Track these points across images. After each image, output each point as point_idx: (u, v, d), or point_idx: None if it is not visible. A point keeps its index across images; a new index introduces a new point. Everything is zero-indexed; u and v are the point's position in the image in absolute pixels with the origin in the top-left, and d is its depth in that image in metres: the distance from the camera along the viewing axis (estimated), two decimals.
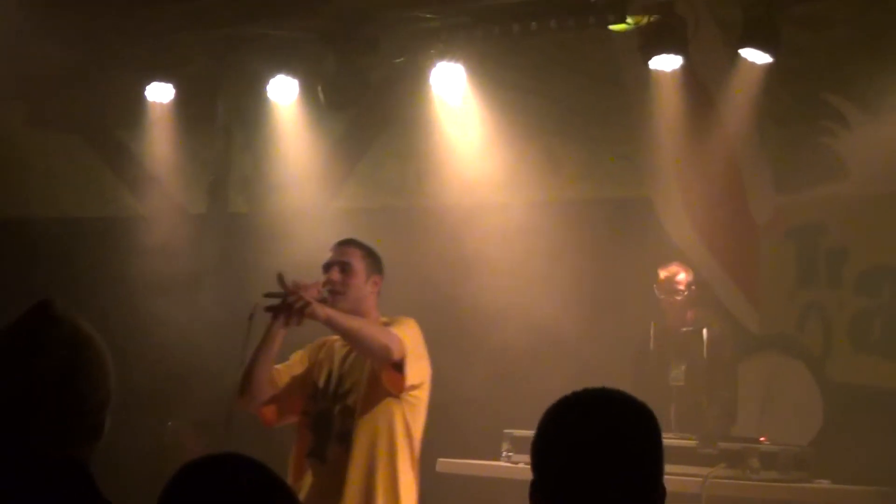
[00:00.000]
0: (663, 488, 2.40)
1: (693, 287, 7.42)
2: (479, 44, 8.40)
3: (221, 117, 9.41)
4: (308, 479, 4.96)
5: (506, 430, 7.20)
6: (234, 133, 9.49)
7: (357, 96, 8.55)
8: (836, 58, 8.02)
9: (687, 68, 7.91)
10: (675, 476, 6.61)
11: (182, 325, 9.06)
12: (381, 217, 9.12)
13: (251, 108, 9.19)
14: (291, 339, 5.14)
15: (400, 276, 8.34)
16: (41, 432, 2.48)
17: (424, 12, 8.25)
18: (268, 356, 4.91)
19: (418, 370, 4.90)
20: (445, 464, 7.32)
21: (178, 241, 9.40)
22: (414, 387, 4.91)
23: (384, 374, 4.86)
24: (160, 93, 8.97)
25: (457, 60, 8.33)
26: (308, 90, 8.69)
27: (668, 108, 8.25)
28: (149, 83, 8.91)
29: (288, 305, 4.78)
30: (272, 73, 8.74)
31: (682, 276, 7.40)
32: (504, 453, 7.17)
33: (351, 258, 5.06)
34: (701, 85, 8.32)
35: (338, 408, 4.95)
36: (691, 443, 6.70)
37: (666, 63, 7.82)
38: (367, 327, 4.84)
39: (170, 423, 8.44)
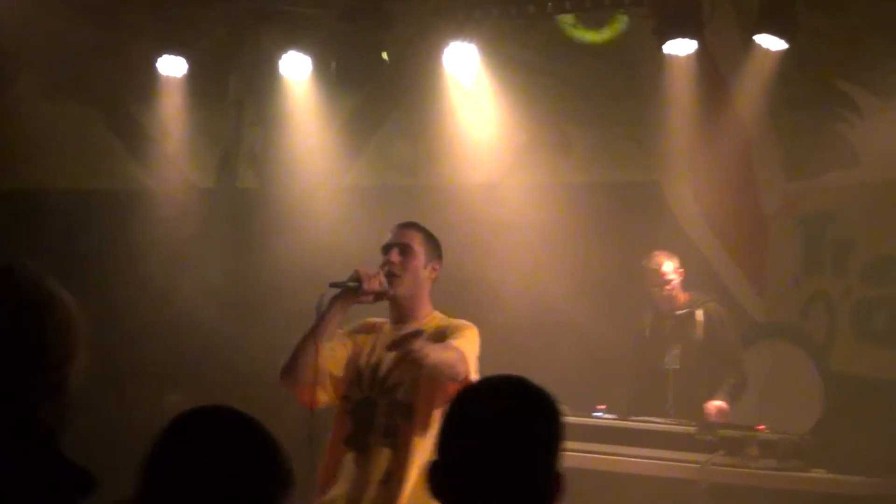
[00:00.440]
0: (558, 473, 2.48)
1: (681, 270, 7.42)
2: (493, 23, 8.39)
3: (233, 92, 9.41)
4: (347, 468, 4.80)
5: None
6: (246, 108, 9.50)
7: (370, 74, 8.54)
8: (851, 45, 7.98)
9: (701, 53, 7.89)
10: (673, 462, 6.64)
11: (188, 299, 9.09)
12: (390, 195, 9.12)
13: (263, 84, 9.19)
14: None
15: None
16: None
17: None
18: (322, 342, 4.75)
19: (475, 376, 4.75)
20: None
21: (187, 215, 9.42)
22: None
23: (451, 385, 4.72)
24: (172, 66, 8.97)
25: (470, 40, 8.32)
26: (321, 67, 8.69)
27: (681, 93, 8.23)
28: (161, 57, 8.92)
29: (404, 356, 4.62)
30: (285, 49, 8.73)
31: (669, 266, 7.41)
32: None
33: (412, 241, 4.93)
34: (715, 70, 8.30)
35: (386, 401, 4.81)
36: (690, 429, 6.72)
37: (680, 47, 7.80)
38: (448, 356, 4.65)
39: (171, 396, 8.48)
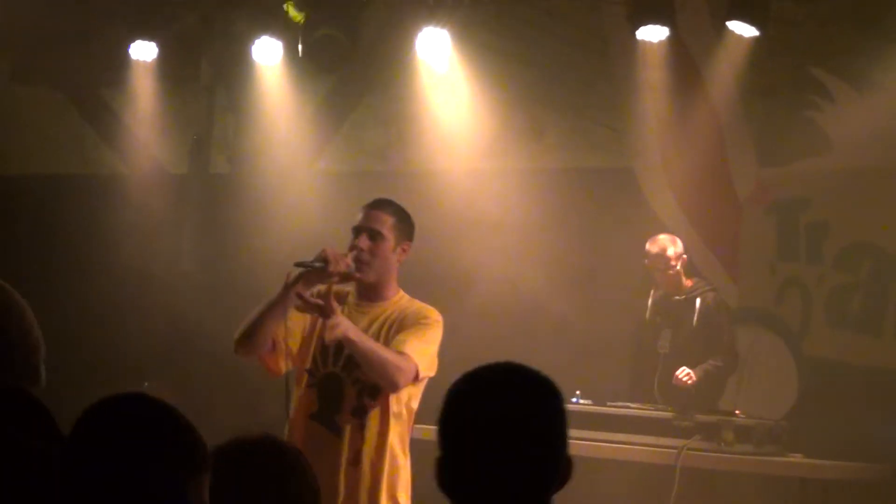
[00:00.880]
0: (568, 460, 2.45)
1: (684, 256, 7.39)
2: (466, 9, 8.37)
3: (205, 77, 9.34)
4: (314, 446, 4.71)
5: None
6: (218, 93, 9.44)
7: (341, 60, 8.50)
8: (822, 32, 8.01)
9: (673, 39, 7.89)
10: (650, 447, 6.66)
11: (161, 285, 9.05)
12: (362, 181, 9.09)
13: (235, 69, 9.13)
14: None
15: None
16: None
17: None
18: (278, 314, 4.73)
19: (428, 373, 4.82)
20: (431, 432, 7.31)
21: (159, 200, 9.38)
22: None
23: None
24: (144, 51, 8.91)
25: (443, 26, 8.30)
26: (292, 52, 8.65)
27: (654, 79, 8.23)
28: (132, 41, 8.86)
29: (320, 308, 4.65)
30: (257, 35, 8.68)
31: (671, 251, 7.35)
32: None
33: (381, 226, 4.87)
34: (687, 56, 8.30)
35: (351, 379, 4.80)
36: (667, 414, 6.73)
37: (653, 34, 7.80)
38: (386, 357, 4.69)
39: (147, 384, 8.43)
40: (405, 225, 4.96)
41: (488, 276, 8.44)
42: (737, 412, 6.80)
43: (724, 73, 8.13)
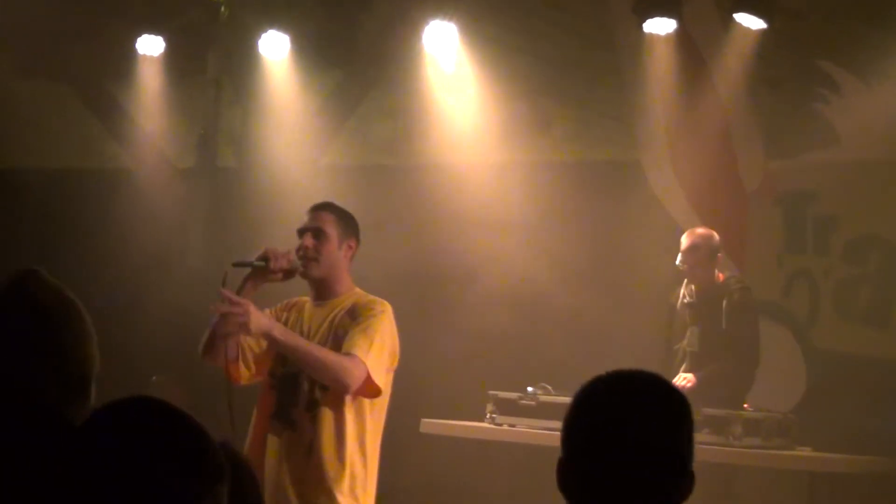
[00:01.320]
0: (692, 474, 2.39)
1: (719, 255, 7.22)
2: (472, 2, 8.36)
3: (212, 71, 9.35)
4: (273, 442, 4.95)
5: (490, 392, 7.21)
6: (224, 87, 9.44)
7: (348, 53, 8.50)
8: (829, 24, 8.00)
9: (681, 32, 7.89)
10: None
11: (168, 279, 9.05)
12: (369, 174, 9.10)
13: (242, 63, 9.14)
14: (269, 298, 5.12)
15: (387, 234, 8.39)
16: (27, 388, 2.51)
17: None
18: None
19: (384, 374, 4.89)
20: (429, 424, 7.34)
21: (166, 194, 9.38)
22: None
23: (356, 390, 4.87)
24: (150, 45, 8.92)
25: (450, 19, 8.29)
26: (299, 46, 8.65)
27: (661, 72, 8.22)
28: (139, 36, 8.86)
29: (228, 314, 4.75)
30: (264, 29, 8.68)
31: (685, 244, 7.20)
32: (488, 415, 7.17)
33: (324, 224, 5.01)
34: (694, 49, 8.29)
35: (305, 374, 4.92)
36: None
37: (660, 26, 7.81)
38: (318, 356, 4.81)
39: (154, 378, 8.44)
40: (347, 223, 5.09)
41: (495, 269, 8.44)
42: (745, 405, 6.79)
43: (731, 65, 8.12)
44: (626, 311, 8.05)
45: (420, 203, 8.82)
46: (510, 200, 8.56)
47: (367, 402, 4.92)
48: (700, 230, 7.30)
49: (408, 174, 9.06)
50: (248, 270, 4.91)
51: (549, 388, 7.07)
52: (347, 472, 4.88)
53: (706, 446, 6.53)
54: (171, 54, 8.99)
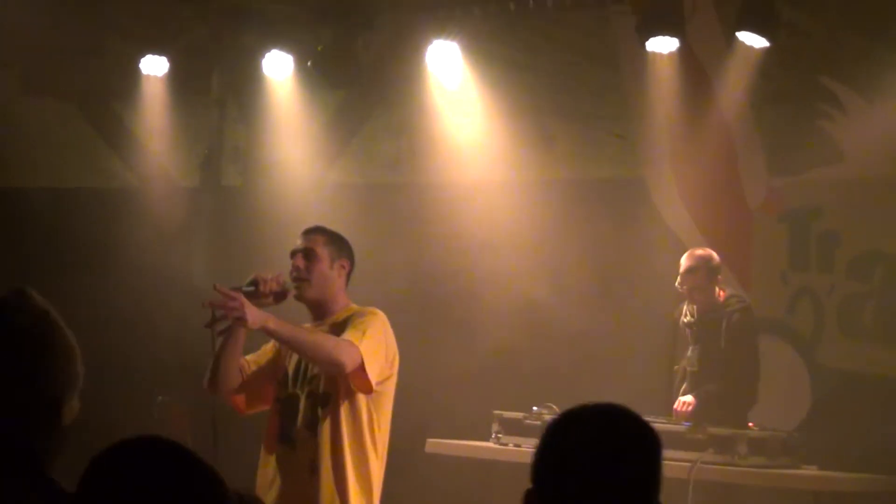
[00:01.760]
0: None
1: (719, 277, 7.19)
2: (475, 21, 8.37)
3: (216, 91, 9.38)
4: (277, 464, 5.04)
5: (495, 412, 7.20)
6: (228, 106, 9.46)
7: (351, 73, 8.52)
8: (833, 41, 8.00)
9: (683, 50, 7.90)
10: (663, 461, 6.62)
11: (173, 298, 9.04)
12: (374, 193, 9.11)
13: (245, 82, 9.16)
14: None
15: (391, 252, 8.40)
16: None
17: None
18: (233, 348, 4.99)
19: (379, 369, 4.95)
20: (435, 444, 7.33)
21: (171, 213, 9.39)
22: (378, 383, 4.95)
23: (350, 377, 4.91)
24: (154, 66, 8.94)
25: (452, 38, 8.31)
26: (302, 66, 8.67)
27: (664, 90, 8.23)
28: (143, 55, 8.89)
29: (224, 314, 4.84)
30: (267, 48, 8.71)
31: (684, 265, 7.20)
32: (493, 434, 7.17)
33: (314, 245, 5.10)
34: (697, 66, 8.30)
35: (305, 393, 5.01)
36: (680, 428, 6.70)
37: (663, 45, 7.81)
38: (313, 339, 4.90)
39: (160, 398, 8.43)
40: (338, 244, 5.18)
41: (498, 287, 8.44)
42: (750, 424, 6.78)
43: (734, 82, 8.13)
44: (630, 329, 8.05)
45: (424, 221, 8.83)
46: (514, 218, 8.57)
47: (365, 415, 4.98)
48: (699, 251, 7.29)
49: (412, 192, 9.06)
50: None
51: (555, 407, 7.06)
52: (350, 490, 4.93)
53: (711, 466, 6.53)
54: (175, 74, 9.02)
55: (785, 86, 8.18)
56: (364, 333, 4.90)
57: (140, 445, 2.04)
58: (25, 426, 2.46)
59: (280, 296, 5.01)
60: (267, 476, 5.04)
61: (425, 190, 8.97)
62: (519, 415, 7.11)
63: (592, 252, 8.37)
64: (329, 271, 5.08)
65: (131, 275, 9.11)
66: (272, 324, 4.82)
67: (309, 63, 8.44)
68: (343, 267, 5.12)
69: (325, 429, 4.94)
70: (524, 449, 7.01)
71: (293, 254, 5.12)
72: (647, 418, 6.95)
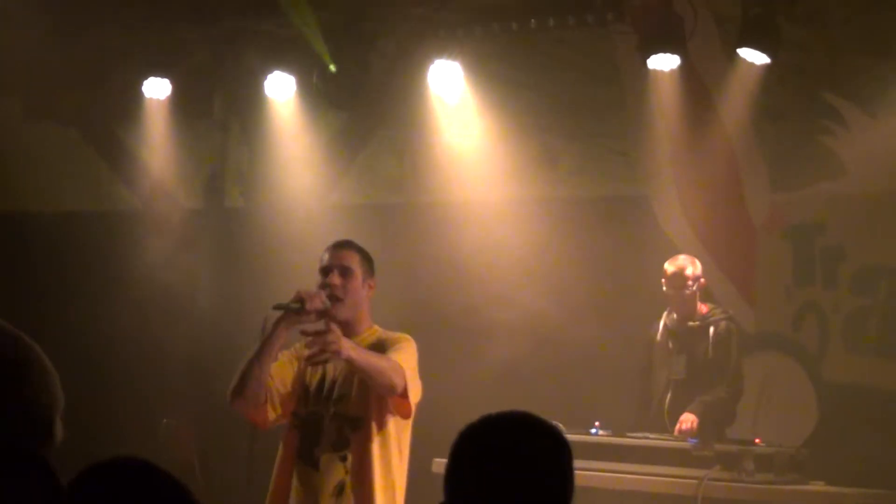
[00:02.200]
0: None
1: (702, 280, 7.33)
2: (477, 41, 8.39)
3: (218, 112, 9.40)
4: (297, 483, 4.94)
5: None
6: (231, 128, 9.48)
7: (354, 94, 8.54)
8: (834, 56, 8.01)
9: (685, 67, 7.90)
10: (670, 478, 6.62)
11: (178, 321, 9.05)
12: (377, 213, 9.11)
13: (248, 104, 9.18)
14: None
15: (396, 272, 8.38)
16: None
17: (423, 10, 8.24)
18: (267, 362, 4.86)
19: (416, 392, 4.91)
20: (441, 464, 7.30)
21: (175, 235, 9.40)
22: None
23: (392, 400, 4.88)
24: (157, 88, 8.96)
25: (454, 58, 8.33)
26: (305, 87, 8.69)
27: (666, 107, 8.24)
28: (146, 78, 8.90)
29: (321, 348, 4.72)
30: (269, 70, 8.73)
31: (690, 271, 7.27)
32: None
33: (350, 262, 4.99)
34: (699, 83, 8.31)
35: (330, 413, 4.93)
36: (687, 445, 6.70)
37: (664, 62, 7.81)
38: (380, 363, 4.80)
39: (165, 420, 8.43)
40: (369, 262, 5.09)
41: (502, 306, 8.44)
42: (757, 440, 6.77)
43: (736, 99, 8.13)
44: (634, 345, 8.03)
45: (427, 241, 8.83)
46: (518, 237, 8.57)
47: (393, 438, 4.93)
48: (683, 256, 7.42)
49: (416, 212, 9.07)
50: (278, 314, 4.85)
51: (561, 425, 7.04)
52: None
53: (718, 482, 6.52)
54: (178, 96, 9.04)
55: (787, 102, 8.18)
56: (406, 359, 4.85)
57: (111, 468, 2.07)
58: (21, 441, 2.49)
59: (322, 314, 4.90)
60: (283, 494, 4.95)
61: (428, 210, 8.97)
62: None
63: (596, 269, 8.37)
64: (361, 290, 5.00)
65: (135, 297, 9.11)
66: (353, 353, 4.74)
67: (315, 80, 8.45)
68: (371, 287, 5.04)
69: (355, 452, 4.87)
70: None
71: (328, 270, 4.99)
72: (653, 437, 6.98)
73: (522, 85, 8.69)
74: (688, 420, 6.99)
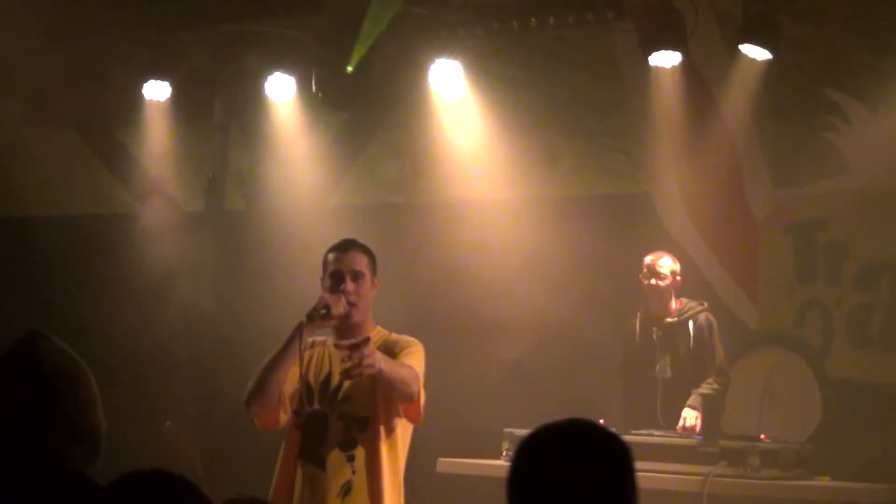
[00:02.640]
0: None
1: (678, 277, 7.39)
2: (477, 40, 8.38)
3: (218, 115, 9.39)
4: (302, 483, 4.92)
5: (506, 429, 7.18)
6: (231, 130, 9.48)
7: (354, 94, 8.52)
8: (836, 52, 8.00)
9: (686, 64, 7.89)
10: (676, 475, 6.62)
11: (179, 324, 9.04)
12: (378, 213, 9.11)
13: (248, 106, 9.18)
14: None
15: (397, 273, 8.37)
16: (42, 450, 2.59)
17: (423, 9, 8.23)
18: (287, 368, 4.85)
19: (423, 397, 4.91)
20: (446, 463, 7.31)
21: (175, 238, 9.39)
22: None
23: (404, 406, 4.87)
24: (157, 91, 8.95)
25: (455, 57, 8.32)
26: (305, 88, 8.67)
27: (668, 104, 8.23)
28: (146, 81, 8.89)
29: (358, 362, 4.67)
30: (269, 71, 8.71)
31: (667, 262, 7.40)
32: (504, 452, 7.14)
33: (361, 265, 4.95)
34: (700, 80, 8.30)
35: (336, 413, 4.92)
36: (692, 441, 6.70)
37: (665, 59, 7.80)
38: (404, 373, 4.78)
39: (167, 423, 8.42)
40: (374, 260, 5.06)
41: (505, 304, 8.42)
42: (762, 436, 6.76)
43: (737, 96, 8.12)
44: None
45: (429, 240, 8.82)
46: (519, 236, 8.56)
47: (399, 438, 4.93)
48: (671, 254, 7.49)
49: (417, 212, 9.06)
50: (297, 320, 4.82)
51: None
52: None
53: (724, 479, 6.52)
54: (178, 99, 9.02)
55: (788, 98, 8.18)
56: (419, 365, 4.85)
57: (146, 480, 2.15)
58: (69, 457, 2.55)
59: (340, 319, 4.88)
60: (286, 492, 4.93)
61: (429, 209, 8.97)
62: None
63: (598, 268, 8.36)
64: (371, 291, 4.97)
65: (136, 300, 9.11)
66: (384, 364, 4.71)
67: (313, 84, 8.44)
68: (376, 286, 5.01)
69: (363, 453, 4.87)
70: None
71: (339, 275, 4.92)
72: (658, 434, 6.98)
73: (523, 83, 8.68)
74: (690, 416, 7.00)
